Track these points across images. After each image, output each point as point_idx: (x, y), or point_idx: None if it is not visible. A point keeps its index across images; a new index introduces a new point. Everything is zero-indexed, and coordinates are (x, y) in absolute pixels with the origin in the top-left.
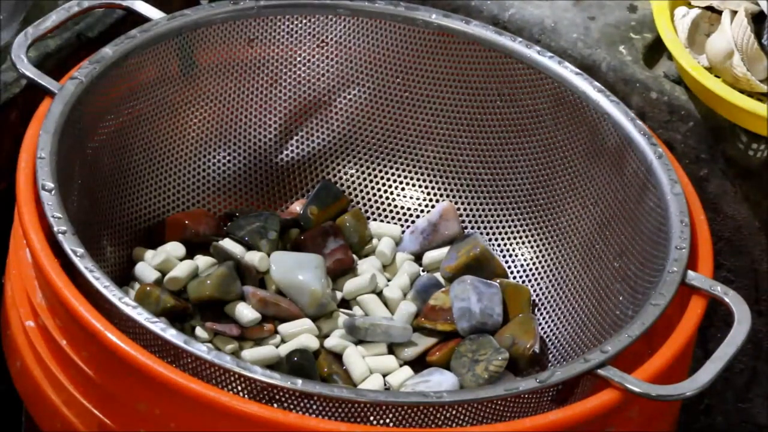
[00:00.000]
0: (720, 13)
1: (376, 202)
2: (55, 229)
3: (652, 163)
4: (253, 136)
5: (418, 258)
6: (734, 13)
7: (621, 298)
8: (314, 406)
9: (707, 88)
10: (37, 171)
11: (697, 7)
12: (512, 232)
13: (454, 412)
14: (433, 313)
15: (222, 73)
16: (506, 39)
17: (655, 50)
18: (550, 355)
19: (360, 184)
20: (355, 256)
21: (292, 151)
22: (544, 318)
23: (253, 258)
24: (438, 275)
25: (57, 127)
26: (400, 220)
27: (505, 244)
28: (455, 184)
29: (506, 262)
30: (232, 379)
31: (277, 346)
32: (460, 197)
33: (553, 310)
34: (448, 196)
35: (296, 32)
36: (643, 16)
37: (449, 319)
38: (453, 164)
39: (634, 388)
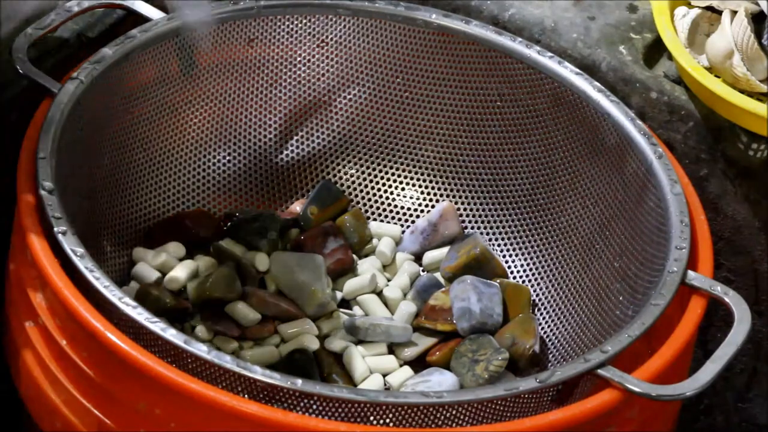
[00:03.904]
0: (720, 13)
1: (376, 202)
2: (55, 229)
3: (652, 163)
4: (253, 136)
5: (418, 258)
6: (734, 13)
7: (621, 298)
8: (314, 406)
9: (707, 88)
10: (37, 171)
11: (697, 7)
12: (512, 232)
13: (454, 412)
14: (433, 313)
15: (222, 73)
16: (506, 39)
17: (655, 50)
18: (550, 355)
19: (360, 184)
20: (355, 256)
21: (292, 151)
22: (544, 318)
23: (253, 258)
24: (438, 275)
25: (57, 127)
26: (400, 220)
27: (505, 244)
28: (455, 184)
29: (506, 262)
30: (232, 379)
31: (277, 346)
32: (460, 197)
33: (553, 310)
34: (448, 196)
35: (296, 32)
36: (643, 16)
37: (449, 319)
38: (453, 164)
39: (634, 388)
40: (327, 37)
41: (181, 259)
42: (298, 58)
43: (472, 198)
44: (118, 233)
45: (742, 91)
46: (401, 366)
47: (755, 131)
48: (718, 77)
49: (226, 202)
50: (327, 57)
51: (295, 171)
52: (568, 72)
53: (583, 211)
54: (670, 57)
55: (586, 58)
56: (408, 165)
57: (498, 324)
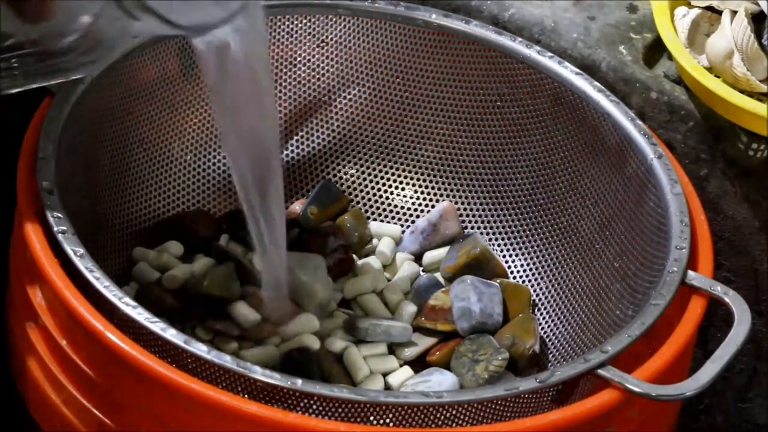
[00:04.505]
0: (720, 13)
1: (376, 202)
2: (55, 229)
3: (652, 163)
4: None
5: (418, 258)
6: (734, 13)
7: (621, 298)
8: (314, 406)
9: (707, 88)
10: (37, 171)
11: (697, 7)
12: (512, 232)
13: (454, 412)
14: (433, 313)
15: None
16: (506, 39)
17: (655, 50)
18: (550, 355)
19: (360, 184)
20: (355, 256)
21: (292, 151)
22: (544, 318)
23: (253, 258)
24: (438, 275)
25: (57, 127)
26: (400, 220)
27: (505, 244)
28: (455, 184)
29: (506, 262)
30: (232, 379)
31: (277, 346)
32: (460, 197)
33: (553, 310)
34: (448, 196)
35: (296, 32)
36: (643, 16)
37: (449, 319)
38: (453, 164)
39: (634, 388)
40: (327, 37)
41: (180, 259)
42: (298, 58)
43: (472, 198)
44: (118, 233)
45: (742, 91)
46: (401, 366)
47: (755, 131)
48: (718, 77)
49: (226, 202)
50: (327, 57)
51: (295, 171)
52: (568, 72)
53: (583, 211)
54: (670, 57)
55: (586, 58)
56: (408, 165)
57: (498, 324)
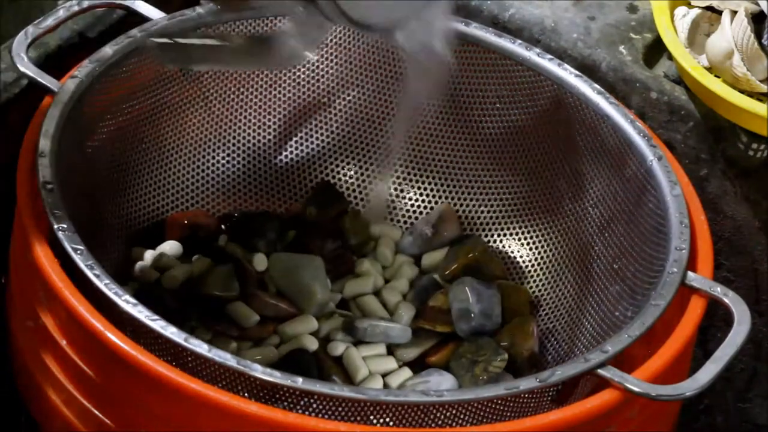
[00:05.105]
0: (720, 13)
1: None
2: (55, 226)
3: (651, 165)
4: (253, 136)
5: (417, 259)
6: (734, 13)
7: (620, 300)
8: (314, 405)
9: (707, 88)
10: (37, 170)
11: (697, 7)
12: (512, 234)
13: (454, 412)
14: (432, 314)
15: (222, 73)
16: (506, 41)
17: (655, 50)
18: (549, 357)
19: (359, 186)
20: (354, 257)
21: (291, 152)
22: (543, 320)
23: (253, 258)
24: (437, 277)
25: (57, 127)
26: (399, 221)
27: (504, 246)
28: (455, 185)
29: (505, 263)
30: (232, 377)
31: (276, 347)
32: (460, 198)
33: (552, 312)
34: (447, 197)
35: None
36: (643, 16)
37: (448, 321)
38: (453, 166)
39: (634, 388)
40: (327, 38)
41: (179, 259)
42: None
43: (472, 199)
44: (118, 233)
45: (742, 91)
46: (400, 367)
47: (755, 131)
48: (718, 77)
49: (225, 202)
50: (326, 58)
51: (295, 171)
52: (567, 74)
53: (583, 212)
54: (670, 57)
55: (586, 58)
56: (408, 166)
57: (497, 325)
